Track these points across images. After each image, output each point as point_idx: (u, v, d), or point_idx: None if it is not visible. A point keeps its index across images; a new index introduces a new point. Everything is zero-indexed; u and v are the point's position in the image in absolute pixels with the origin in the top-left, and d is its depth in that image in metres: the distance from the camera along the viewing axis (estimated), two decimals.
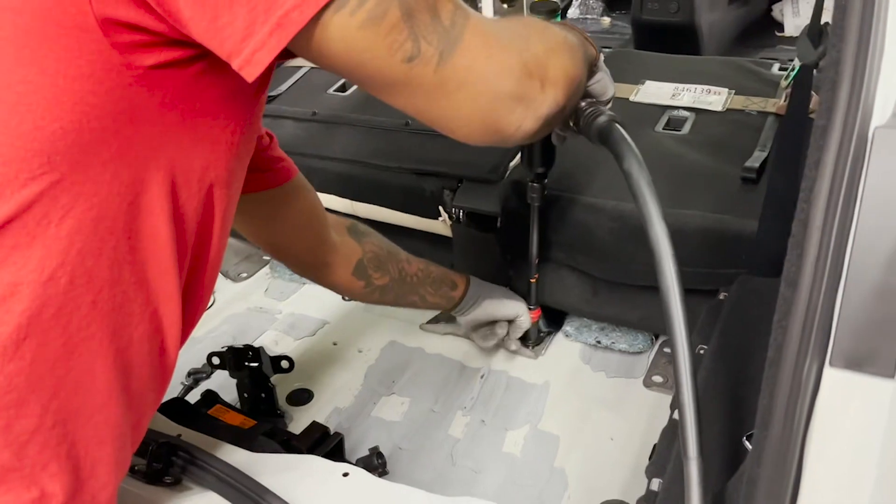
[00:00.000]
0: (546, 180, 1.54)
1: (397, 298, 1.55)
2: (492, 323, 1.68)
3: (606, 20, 4.94)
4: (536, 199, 1.54)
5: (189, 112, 0.76)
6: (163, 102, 0.74)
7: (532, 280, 1.69)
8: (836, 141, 0.69)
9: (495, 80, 0.74)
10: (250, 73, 0.67)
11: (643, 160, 0.97)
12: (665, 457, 1.10)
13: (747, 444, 1.00)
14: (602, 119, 1.03)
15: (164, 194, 0.79)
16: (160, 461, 1.18)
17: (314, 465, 1.18)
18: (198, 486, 1.17)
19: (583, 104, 1.07)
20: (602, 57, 1.12)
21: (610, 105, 1.14)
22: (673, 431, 1.15)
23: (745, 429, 1.04)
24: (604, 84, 1.11)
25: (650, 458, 1.26)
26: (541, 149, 1.46)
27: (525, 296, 1.73)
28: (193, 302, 0.96)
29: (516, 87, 0.75)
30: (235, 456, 1.21)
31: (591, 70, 1.07)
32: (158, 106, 0.74)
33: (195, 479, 1.17)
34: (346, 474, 1.14)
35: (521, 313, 1.66)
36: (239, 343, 1.86)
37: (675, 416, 1.20)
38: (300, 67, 2.33)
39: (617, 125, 1.02)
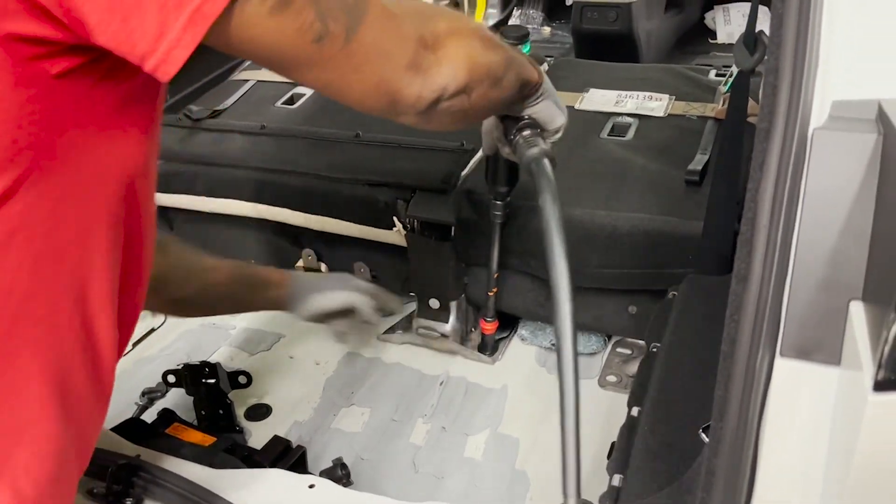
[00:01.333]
0: (509, 198, 1.57)
1: (206, 309, 1.51)
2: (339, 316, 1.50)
3: (547, 30, 5.03)
4: (499, 217, 1.58)
5: (100, 114, 0.76)
6: (76, 108, 0.73)
7: (490, 293, 1.72)
8: (778, 143, 0.73)
9: (396, 51, 0.77)
10: (166, 72, 0.67)
11: (558, 198, 0.98)
12: (625, 453, 1.14)
13: (704, 436, 1.04)
14: (534, 151, 1.03)
15: (88, 196, 0.78)
16: (120, 483, 1.16)
17: (279, 478, 1.17)
18: None
19: (526, 132, 1.06)
20: (548, 84, 1.07)
21: (559, 135, 1.12)
22: (631, 428, 1.19)
23: (701, 422, 1.08)
24: (550, 113, 1.08)
25: (609, 456, 1.29)
26: (505, 168, 1.49)
27: (483, 307, 1.75)
28: (129, 306, 0.93)
29: (413, 56, 0.78)
30: (198, 473, 1.20)
31: (530, 93, 1.04)
32: (72, 111, 0.73)
33: (158, 498, 1.15)
34: (311, 486, 1.14)
35: (355, 302, 1.46)
36: (194, 360, 1.84)
37: (634, 412, 1.23)
38: (246, 81, 2.32)
39: (546, 161, 1.02)
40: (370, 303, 1.48)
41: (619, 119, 1.92)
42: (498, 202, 1.56)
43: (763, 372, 0.75)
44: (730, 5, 4.03)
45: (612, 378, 1.71)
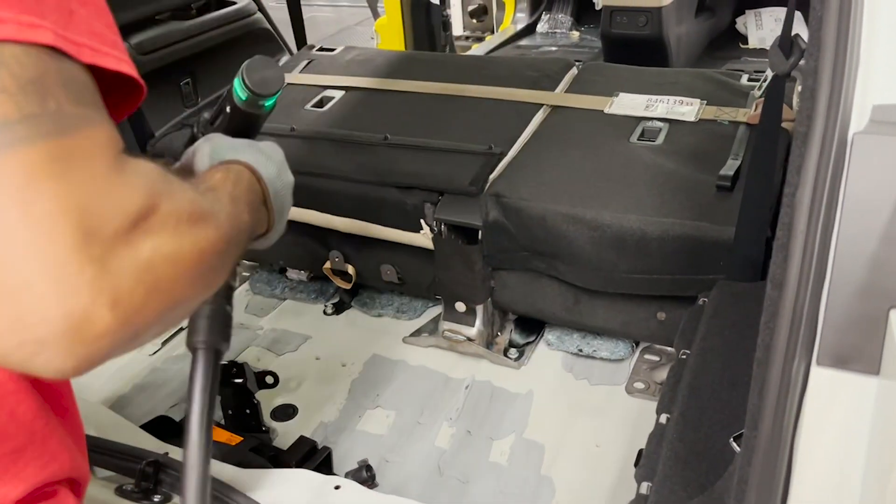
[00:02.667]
0: None
1: None
2: None
3: (575, 34, 5.02)
4: None
5: None
6: None
7: None
8: (816, 147, 0.72)
9: (9, 248, 0.46)
10: None
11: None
12: (654, 460, 1.12)
13: (735, 445, 1.03)
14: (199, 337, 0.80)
15: None
16: (149, 480, 1.17)
17: (306, 479, 1.18)
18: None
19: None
20: (275, 219, 0.84)
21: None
22: (660, 435, 1.17)
23: (731, 430, 1.07)
24: (273, 240, 0.87)
25: (636, 464, 1.28)
26: None
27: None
28: None
29: (50, 284, 0.47)
30: (225, 472, 1.21)
31: (259, 237, 0.83)
32: None
33: None
34: (337, 487, 1.14)
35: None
36: (222, 360, 1.85)
37: (662, 420, 1.22)
38: None
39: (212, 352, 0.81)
40: None
41: (649, 123, 1.91)
42: None
43: (799, 380, 0.73)
44: (762, 10, 3.99)
45: (639, 385, 1.69)
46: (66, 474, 0.77)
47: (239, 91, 0.92)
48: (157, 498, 1.16)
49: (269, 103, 0.95)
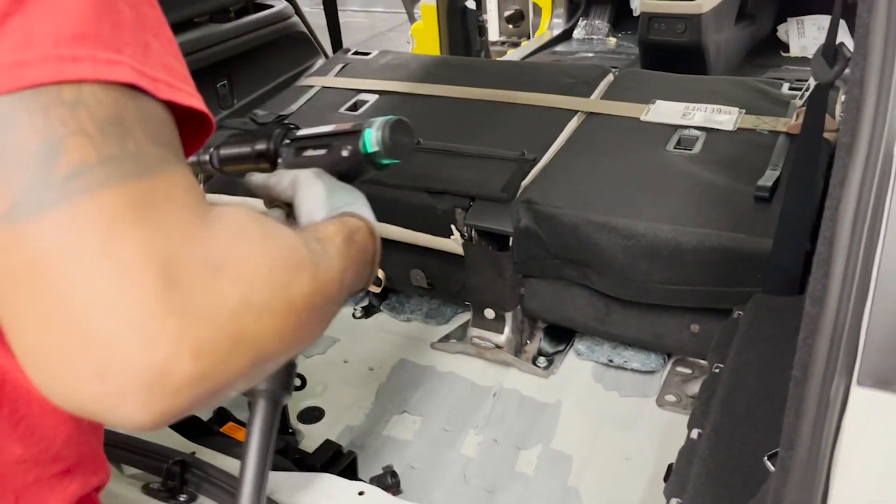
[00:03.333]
0: None
1: None
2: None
3: (612, 41, 4.98)
4: None
5: None
6: None
7: None
8: (861, 159, 0.69)
9: (93, 295, 0.44)
10: None
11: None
12: (684, 476, 1.10)
13: (769, 464, 1.00)
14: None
15: None
16: (174, 479, 1.18)
17: (329, 483, 1.17)
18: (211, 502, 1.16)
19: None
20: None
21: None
22: (690, 450, 1.14)
23: (766, 448, 1.04)
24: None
25: (665, 478, 1.25)
26: None
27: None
28: None
29: (132, 335, 0.45)
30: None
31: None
32: None
33: (211, 496, 1.16)
34: (361, 493, 1.13)
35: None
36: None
37: (694, 435, 1.19)
38: (310, 87, 2.35)
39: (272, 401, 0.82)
40: None
41: (686, 132, 1.87)
42: None
43: (838, 401, 0.70)
44: (804, 18, 3.91)
45: (670, 398, 1.66)
46: (101, 482, 0.78)
47: (369, 143, 0.88)
48: (182, 497, 1.16)
49: (384, 163, 0.92)
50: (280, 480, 1.18)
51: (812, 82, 1.51)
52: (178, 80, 0.53)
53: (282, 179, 0.84)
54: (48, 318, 0.44)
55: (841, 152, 0.73)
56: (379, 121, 0.89)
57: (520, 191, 1.71)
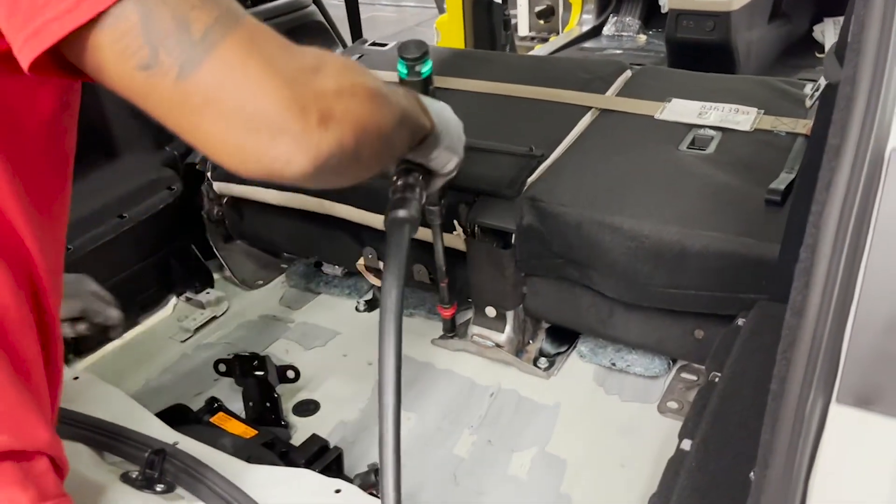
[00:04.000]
0: (443, 200, 1.63)
1: None
2: None
3: (642, 38, 4.90)
4: (436, 218, 1.64)
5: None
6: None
7: (443, 284, 1.75)
8: (848, 162, 0.65)
9: (248, 102, 0.66)
10: (23, 64, 0.65)
11: (403, 273, 0.91)
12: (669, 489, 1.06)
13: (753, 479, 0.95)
14: (400, 214, 0.99)
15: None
16: (154, 469, 1.17)
17: (307, 480, 1.15)
18: (190, 495, 1.15)
19: (410, 178, 1.05)
20: (441, 127, 1.05)
21: (451, 176, 1.17)
22: (679, 462, 1.10)
23: (755, 463, 0.99)
24: (441, 160, 1.09)
25: None
26: None
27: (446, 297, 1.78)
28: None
29: (278, 116, 0.66)
30: (230, 466, 1.19)
31: (421, 141, 1.02)
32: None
33: (188, 487, 1.15)
34: (338, 491, 1.11)
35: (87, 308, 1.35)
36: (252, 350, 1.85)
37: (684, 445, 1.15)
38: None
39: (407, 226, 0.97)
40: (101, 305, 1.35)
41: (701, 131, 1.82)
42: (432, 208, 1.63)
43: (815, 418, 0.66)
44: (841, 18, 3.80)
45: (672, 405, 1.61)
46: (43, 449, 0.83)
47: (400, 68, 1.37)
48: (159, 487, 1.15)
49: (424, 70, 1.38)
50: (257, 474, 1.17)
51: (822, 82, 1.45)
52: None
53: None
54: (229, 122, 0.65)
55: (829, 154, 0.68)
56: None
57: (525, 187, 1.67)
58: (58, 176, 0.88)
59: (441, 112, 1.08)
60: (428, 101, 1.04)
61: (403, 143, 0.95)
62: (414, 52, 1.40)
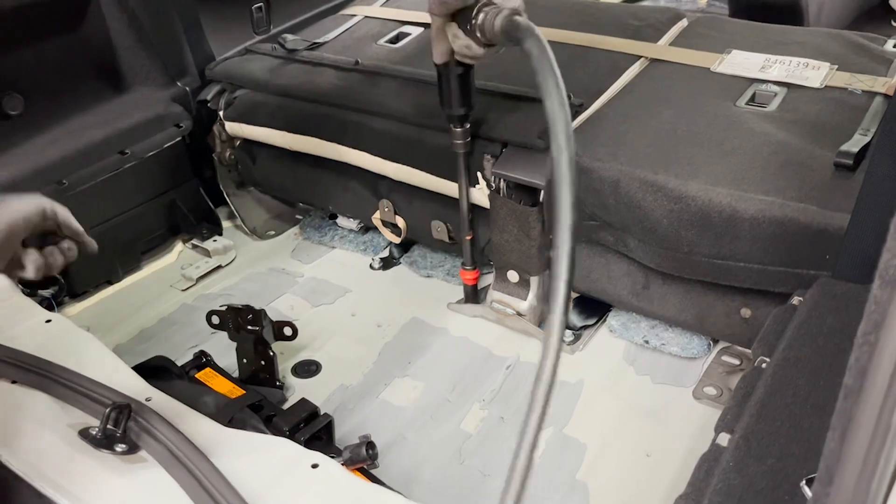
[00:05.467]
0: (468, 125, 1.49)
1: None
2: None
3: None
4: (461, 147, 1.50)
5: None
6: None
7: (467, 238, 1.60)
8: None
9: None
10: None
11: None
12: (700, 490, 0.89)
13: (806, 490, 0.78)
14: (502, 14, 1.10)
15: None
16: (117, 426, 1.04)
17: (284, 450, 1.01)
18: (153, 458, 1.02)
19: (487, 7, 1.15)
20: None
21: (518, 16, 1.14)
22: (714, 460, 0.93)
23: (807, 469, 0.82)
24: None
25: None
26: (458, 85, 1.40)
27: (465, 256, 1.64)
28: None
29: None
30: (203, 430, 1.06)
31: None
32: None
33: (150, 450, 1.02)
34: (315, 465, 0.97)
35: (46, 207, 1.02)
36: (255, 304, 1.72)
37: (721, 441, 0.98)
38: (353, 16, 2.16)
39: (517, 17, 1.07)
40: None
41: (763, 87, 1.61)
42: (457, 129, 1.49)
43: None
44: None
45: (710, 390, 1.44)
46: None
47: None
48: (119, 448, 1.02)
49: None
50: (231, 440, 1.03)
51: None
52: None
53: None
54: None
55: None
56: None
57: None
58: None
59: None
60: None
61: None
62: None
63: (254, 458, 1.00)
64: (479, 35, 1.19)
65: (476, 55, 1.25)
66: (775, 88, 1.60)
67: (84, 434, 1.05)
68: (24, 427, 1.08)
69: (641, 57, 1.79)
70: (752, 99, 1.58)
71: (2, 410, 1.11)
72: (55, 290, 1.61)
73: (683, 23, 1.96)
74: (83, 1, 1.74)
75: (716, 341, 1.53)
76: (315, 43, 1.98)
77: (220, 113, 1.91)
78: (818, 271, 1.23)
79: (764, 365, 1.07)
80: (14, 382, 1.15)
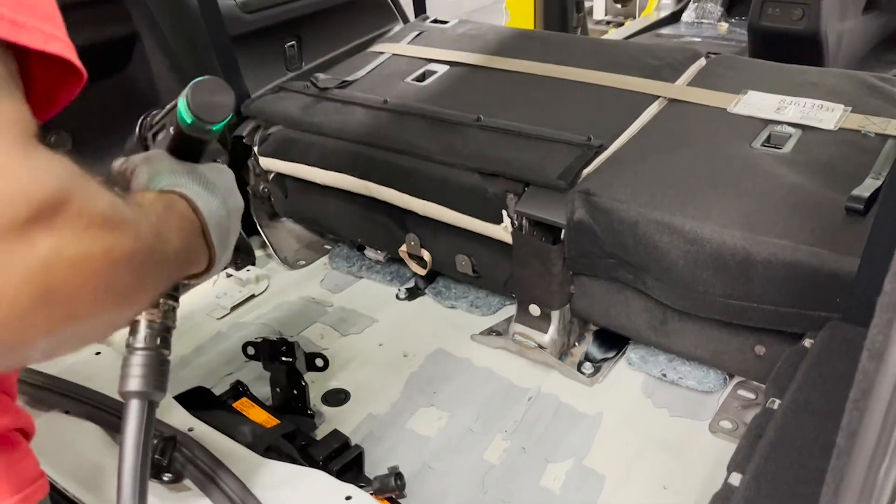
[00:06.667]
0: None
1: None
2: None
3: (724, 26, 4.66)
4: None
5: None
6: None
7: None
8: None
9: None
10: None
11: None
12: None
13: None
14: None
15: None
16: (163, 456, 1.12)
17: (319, 482, 1.08)
18: (196, 487, 1.09)
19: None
20: (219, 247, 0.81)
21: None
22: (725, 499, 0.99)
23: None
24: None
25: None
26: None
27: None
28: None
29: None
30: (243, 460, 1.13)
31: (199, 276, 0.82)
32: None
33: (194, 479, 1.10)
34: (349, 497, 1.03)
35: None
36: (287, 333, 1.80)
37: (733, 480, 1.03)
38: (381, 53, 2.25)
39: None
40: None
41: (778, 128, 1.66)
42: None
43: (888, 487, 0.55)
44: None
45: (726, 424, 1.48)
46: (16, 425, 0.78)
47: (183, 113, 0.84)
48: (166, 477, 1.10)
49: (216, 128, 0.86)
50: (269, 471, 1.10)
51: None
52: (36, 19, 0.49)
53: (126, 166, 0.82)
54: None
55: None
56: (186, 89, 0.84)
57: (579, 179, 1.56)
58: None
59: (215, 205, 0.79)
60: (201, 189, 0.79)
61: (145, 293, 0.65)
62: (214, 114, 0.85)
63: (289, 490, 1.07)
64: None
65: None
66: (790, 130, 1.66)
67: None
68: (77, 456, 1.15)
69: (660, 97, 1.85)
70: (768, 140, 1.64)
71: (56, 439, 1.19)
72: None
73: (701, 62, 2.02)
74: (129, 44, 1.84)
75: (731, 376, 1.58)
76: (345, 81, 2.06)
77: (255, 148, 2.00)
78: (830, 313, 1.27)
79: (775, 406, 1.12)
80: (67, 413, 1.23)
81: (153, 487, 1.08)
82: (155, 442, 1.12)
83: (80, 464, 1.13)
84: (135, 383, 0.80)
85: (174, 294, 0.83)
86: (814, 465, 0.96)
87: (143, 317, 0.80)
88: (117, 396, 1.24)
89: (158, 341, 0.80)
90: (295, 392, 1.53)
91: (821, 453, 0.97)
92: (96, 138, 1.82)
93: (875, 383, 0.56)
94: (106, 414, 1.20)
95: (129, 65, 1.87)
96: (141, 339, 0.80)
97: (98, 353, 1.35)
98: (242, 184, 2.07)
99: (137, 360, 0.80)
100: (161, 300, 0.81)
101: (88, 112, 1.82)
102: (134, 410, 0.81)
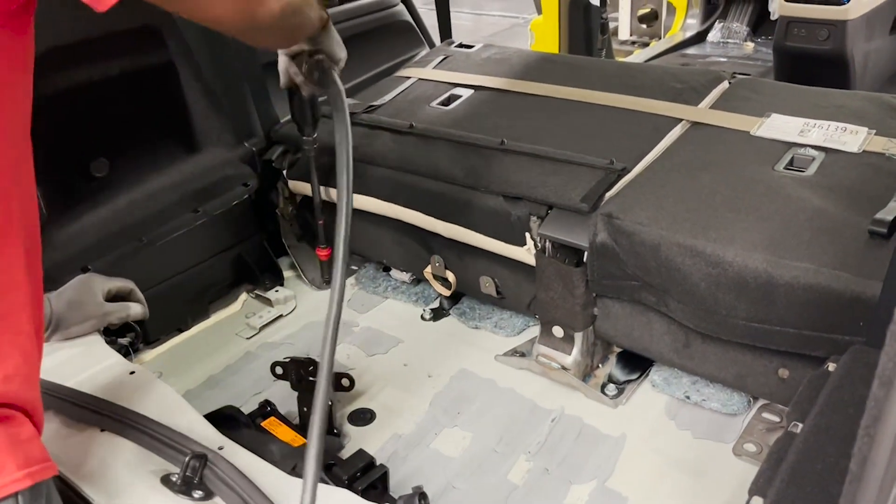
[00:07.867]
0: (315, 133, 1.87)
1: None
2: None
3: (750, 45, 4.66)
4: (312, 151, 1.89)
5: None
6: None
7: (319, 222, 1.95)
8: None
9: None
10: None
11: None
12: None
13: None
14: (316, 60, 1.39)
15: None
16: (194, 474, 1.15)
17: (344, 502, 1.10)
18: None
19: (316, 56, 1.39)
20: (330, 22, 1.37)
21: (341, 64, 1.43)
22: None
23: None
24: (333, 47, 1.40)
25: None
26: (304, 104, 1.82)
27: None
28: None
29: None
30: (271, 479, 1.16)
31: (321, 27, 1.34)
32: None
33: (224, 496, 1.12)
34: None
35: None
36: (315, 353, 1.83)
37: (754, 503, 1.03)
38: (407, 78, 2.29)
39: (328, 67, 1.38)
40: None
41: (801, 151, 1.67)
42: (306, 137, 1.88)
43: None
44: None
45: (750, 447, 1.48)
46: (20, 402, 0.89)
47: None
48: (197, 494, 1.12)
49: None
50: (296, 489, 1.13)
51: None
52: None
53: None
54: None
55: None
56: None
57: (602, 202, 1.58)
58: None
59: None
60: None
61: (305, 17, 1.22)
62: None
63: None
64: (305, 73, 1.44)
65: (303, 87, 1.50)
66: (813, 153, 1.66)
67: (165, 481, 1.16)
68: (111, 472, 1.19)
69: (683, 120, 1.87)
70: (791, 163, 1.65)
71: (92, 456, 1.23)
72: (132, 338, 1.74)
73: (724, 85, 2.04)
74: (164, 73, 1.90)
75: (755, 398, 1.58)
76: (371, 105, 2.11)
77: (284, 172, 2.05)
78: (854, 337, 1.27)
79: (797, 430, 1.12)
80: (103, 430, 1.27)
81: None
82: (186, 460, 1.15)
83: (114, 479, 1.17)
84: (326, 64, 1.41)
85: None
86: (834, 489, 0.96)
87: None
88: (151, 414, 1.29)
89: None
90: None
91: (840, 478, 0.98)
92: (131, 161, 1.89)
93: (884, 411, 0.57)
94: (140, 433, 1.23)
95: (164, 92, 1.93)
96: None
97: (132, 373, 1.39)
98: (271, 206, 2.12)
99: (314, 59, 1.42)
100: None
101: (124, 137, 1.89)
102: (335, 74, 1.41)
